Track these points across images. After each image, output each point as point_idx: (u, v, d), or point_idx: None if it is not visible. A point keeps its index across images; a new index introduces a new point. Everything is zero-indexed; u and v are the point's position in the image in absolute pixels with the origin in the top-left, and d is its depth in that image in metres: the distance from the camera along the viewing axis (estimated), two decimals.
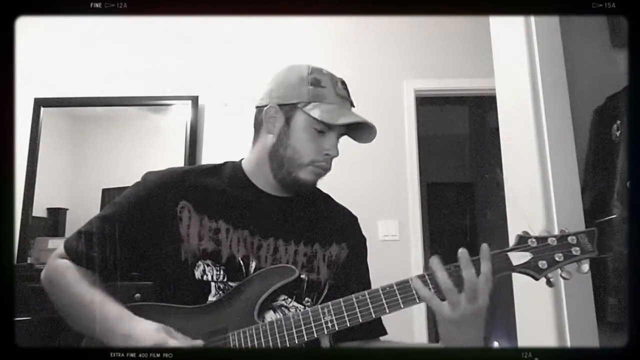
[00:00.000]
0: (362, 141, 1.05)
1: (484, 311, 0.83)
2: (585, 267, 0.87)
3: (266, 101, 1.03)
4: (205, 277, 0.94)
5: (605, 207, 1.58)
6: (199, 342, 0.84)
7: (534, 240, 0.88)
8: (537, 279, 0.87)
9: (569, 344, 1.36)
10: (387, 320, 0.90)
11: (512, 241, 0.90)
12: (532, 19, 1.57)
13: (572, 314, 1.37)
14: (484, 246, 0.86)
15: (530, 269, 0.87)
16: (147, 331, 0.83)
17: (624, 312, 1.49)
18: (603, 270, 1.51)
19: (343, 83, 1.04)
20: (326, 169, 1.03)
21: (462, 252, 0.85)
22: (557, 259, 0.86)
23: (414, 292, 0.86)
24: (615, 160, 1.60)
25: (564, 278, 0.87)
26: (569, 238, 0.88)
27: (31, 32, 2.85)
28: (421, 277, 0.86)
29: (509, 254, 0.87)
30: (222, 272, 0.94)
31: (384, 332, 1.07)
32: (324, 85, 1.00)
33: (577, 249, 0.87)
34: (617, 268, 1.51)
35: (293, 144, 0.99)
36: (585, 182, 1.66)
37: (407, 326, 2.44)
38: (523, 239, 0.88)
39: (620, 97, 1.67)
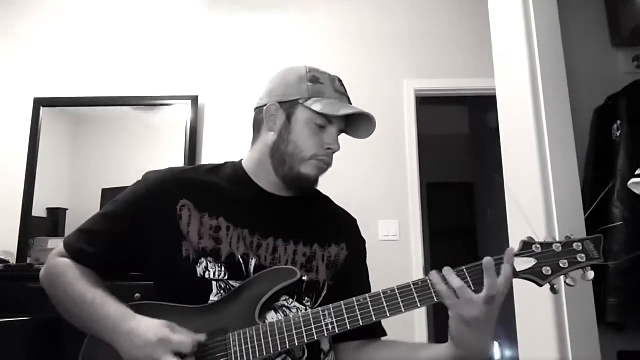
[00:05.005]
0: (362, 136, 1.06)
1: (497, 312, 0.83)
2: (591, 274, 0.84)
3: (266, 101, 1.04)
4: (207, 275, 0.93)
5: (605, 206, 1.58)
6: (201, 337, 0.85)
7: (538, 246, 0.86)
8: (540, 286, 0.85)
9: (569, 344, 1.36)
10: (388, 320, 0.90)
11: (513, 245, 0.88)
12: (532, 19, 1.57)
13: (573, 314, 1.37)
14: (509, 250, 0.85)
15: (534, 275, 0.85)
16: (149, 327, 0.83)
17: (624, 312, 1.49)
18: (603, 271, 1.51)
19: (340, 81, 1.06)
20: (328, 164, 1.03)
21: (488, 260, 0.83)
22: (561, 265, 0.84)
23: (414, 295, 0.85)
24: (615, 161, 1.60)
25: (568, 285, 0.85)
26: (575, 244, 0.86)
27: (31, 31, 2.86)
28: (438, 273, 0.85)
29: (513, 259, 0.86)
30: (223, 270, 0.94)
31: (384, 333, 1.07)
32: (322, 82, 1.02)
33: (583, 255, 0.85)
34: (617, 268, 1.51)
35: (294, 140, 1.00)
36: (585, 181, 1.66)
37: (407, 325, 2.45)
38: (528, 245, 0.86)
39: (620, 97, 1.67)
